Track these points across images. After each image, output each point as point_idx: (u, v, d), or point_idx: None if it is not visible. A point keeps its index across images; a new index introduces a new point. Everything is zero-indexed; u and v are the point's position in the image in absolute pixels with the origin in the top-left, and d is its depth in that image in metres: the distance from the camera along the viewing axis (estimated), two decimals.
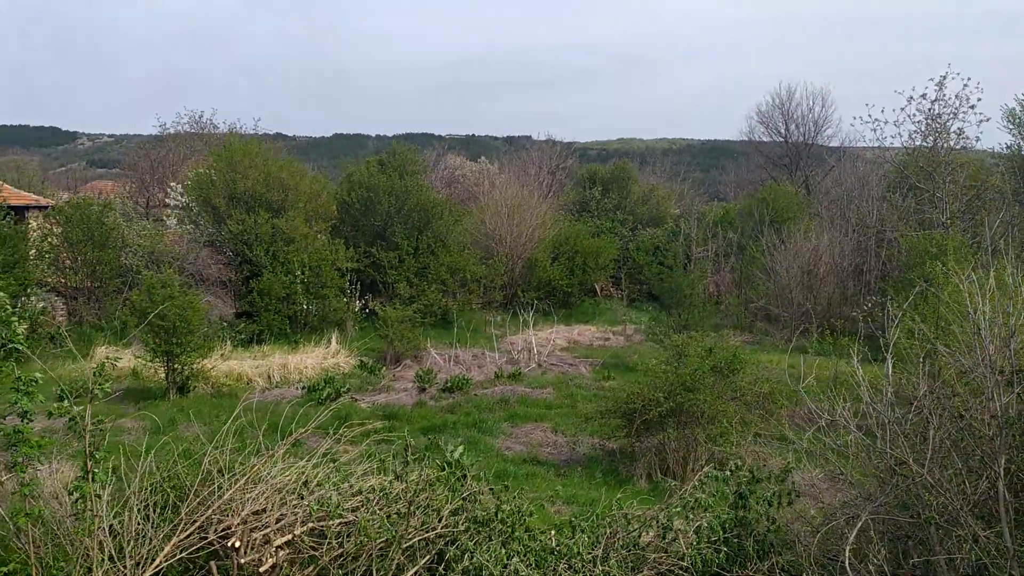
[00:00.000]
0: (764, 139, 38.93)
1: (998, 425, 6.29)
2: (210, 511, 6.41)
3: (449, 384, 16.51)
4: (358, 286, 23.73)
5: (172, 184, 24.37)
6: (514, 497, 7.41)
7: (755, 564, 6.58)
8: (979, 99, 21.22)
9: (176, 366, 15.05)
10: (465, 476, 7.36)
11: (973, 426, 6.33)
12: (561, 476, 11.55)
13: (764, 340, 22.30)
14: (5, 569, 5.73)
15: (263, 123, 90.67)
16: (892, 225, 23.22)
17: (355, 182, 25.11)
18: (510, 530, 6.85)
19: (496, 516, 6.92)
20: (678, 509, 7.21)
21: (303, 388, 15.92)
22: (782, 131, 37.72)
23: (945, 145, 21.79)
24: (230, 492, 6.57)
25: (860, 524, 6.23)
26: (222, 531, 6.32)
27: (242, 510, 6.45)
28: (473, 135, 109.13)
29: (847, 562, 5.84)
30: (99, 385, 5.85)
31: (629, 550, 6.75)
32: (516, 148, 56.67)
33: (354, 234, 24.85)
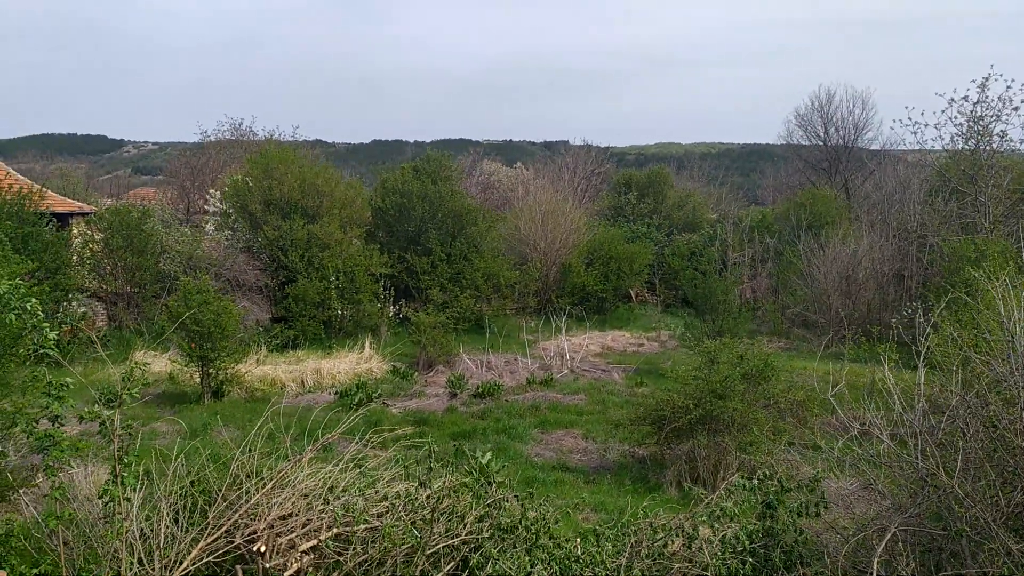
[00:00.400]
0: (803, 143, 38.45)
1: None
2: (237, 515, 6.50)
3: (480, 390, 16.54)
4: (392, 292, 23.91)
5: (211, 191, 24.80)
6: (540, 504, 7.40)
7: (781, 575, 6.48)
8: (1023, 101, 20.75)
9: (211, 371, 15.29)
10: (491, 482, 7.37)
11: (1006, 437, 6.18)
12: (590, 483, 11.50)
13: (800, 346, 21.99)
14: (36, 570, 5.87)
15: (302, 130, 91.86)
16: (934, 230, 22.76)
17: (389, 188, 25.31)
18: (534, 537, 6.84)
19: (520, 523, 6.91)
20: (704, 518, 7.13)
21: (335, 393, 16.06)
22: (821, 134, 37.22)
23: (987, 148, 21.29)
24: (257, 496, 6.66)
25: (889, 536, 6.11)
26: (248, 535, 6.40)
27: (268, 514, 6.53)
28: (510, 140, 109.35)
29: (875, 574, 5.74)
30: (128, 390, 5.97)
31: (654, 559, 6.69)
32: (553, 153, 56.68)
33: (388, 240, 25.03)
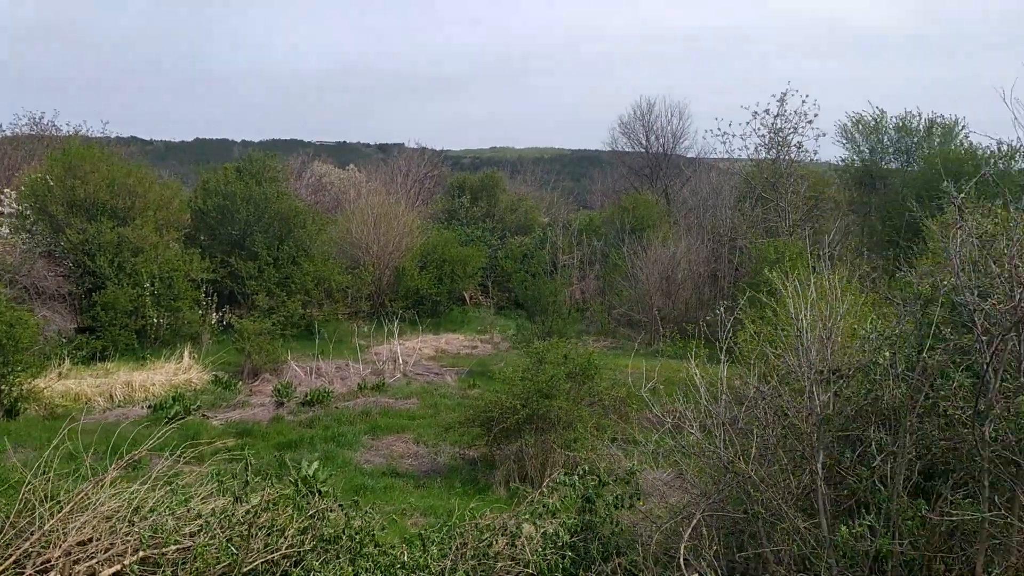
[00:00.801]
0: (627, 149, 40.30)
1: (816, 422, 6.70)
2: (27, 544, 5.95)
3: (309, 398, 16.09)
4: (215, 298, 22.79)
5: (6, 191, 22.63)
6: (366, 512, 7.28)
7: (599, 566, 6.71)
8: (816, 115, 22.79)
9: (3, 387, 13.92)
10: (316, 493, 7.18)
11: (795, 424, 6.71)
12: (420, 487, 11.46)
13: (625, 345, 22.98)
14: None
15: (115, 126, 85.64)
16: (742, 233, 24.47)
17: (211, 189, 24.13)
18: (359, 547, 6.71)
19: (345, 533, 6.77)
20: (527, 516, 7.27)
21: (149, 407, 15.10)
22: (643, 142, 39.16)
23: (786, 157, 23.19)
24: (52, 522, 6.12)
25: (695, 522, 6.47)
26: (41, 565, 5.88)
27: (65, 541, 6.02)
28: (344, 142, 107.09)
29: (682, 559, 6.06)
30: None
31: (479, 560, 6.74)
32: (387, 156, 56.15)
33: (211, 243, 23.85)
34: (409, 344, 21.88)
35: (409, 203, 32.53)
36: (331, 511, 7.08)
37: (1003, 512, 5.44)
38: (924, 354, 6.80)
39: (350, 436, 13.76)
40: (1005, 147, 22.63)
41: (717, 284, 25.41)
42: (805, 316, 7.46)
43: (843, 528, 5.81)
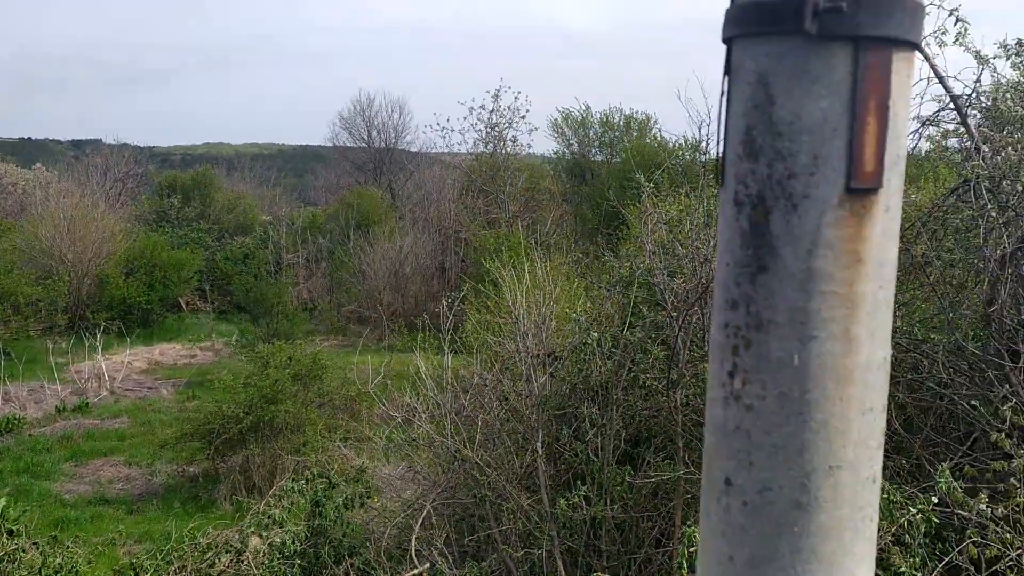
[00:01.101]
0: (349, 144, 39.83)
1: (535, 404, 7.03)
2: None
3: None
4: None
5: None
6: (67, 547, 6.52)
7: (331, 570, 6.53)
8: (528, 110, 24.09)
9: None
10: (4, 533, 6.30)
11: (517, 407, 7.01)
12: (135, 512, 10.49)
13: (357, 342, 22.72)
14: None
15: None
16: (466, 225, 25.21)
17: None
18: None
19: (41, 573, 6.02)
20: (254, 529, 6.91)
21: None
22: (365, 137, 38.92)
23: (503, 151, 24.25)
24: None
25: (424, 513, 6.52)
26: None
27: None
28: (29, 139, 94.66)
29: (413, 550, 6.07)
30: None
31: None
32: (82, 153, 50.58)
33: None
34: (117, 358, 19.90)
35: (109, 205, 29.55)
36: (25, 551, 6.27)
37: (694, 470, 6.04)
38: (626, 332, 7.40)
39: (48, 465, 12.23)
40: (690, 140, 25.53)
41: (445, 276, 25.97)
42: (521, 304, 7.80)
43: (561, 501, 6.14)
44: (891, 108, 0.74)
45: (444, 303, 8.86)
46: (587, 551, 6.17)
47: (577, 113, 28.42)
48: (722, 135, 0.77)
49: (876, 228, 0.74)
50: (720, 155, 0.77)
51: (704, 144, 9.58)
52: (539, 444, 6.59)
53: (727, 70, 0.78)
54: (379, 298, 24.01)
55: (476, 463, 6.52)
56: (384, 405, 8.47)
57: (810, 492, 0.73)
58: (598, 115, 28.20)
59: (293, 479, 8.03)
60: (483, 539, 6.66)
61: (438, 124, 27.54)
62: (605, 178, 24.61)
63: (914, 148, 6.41)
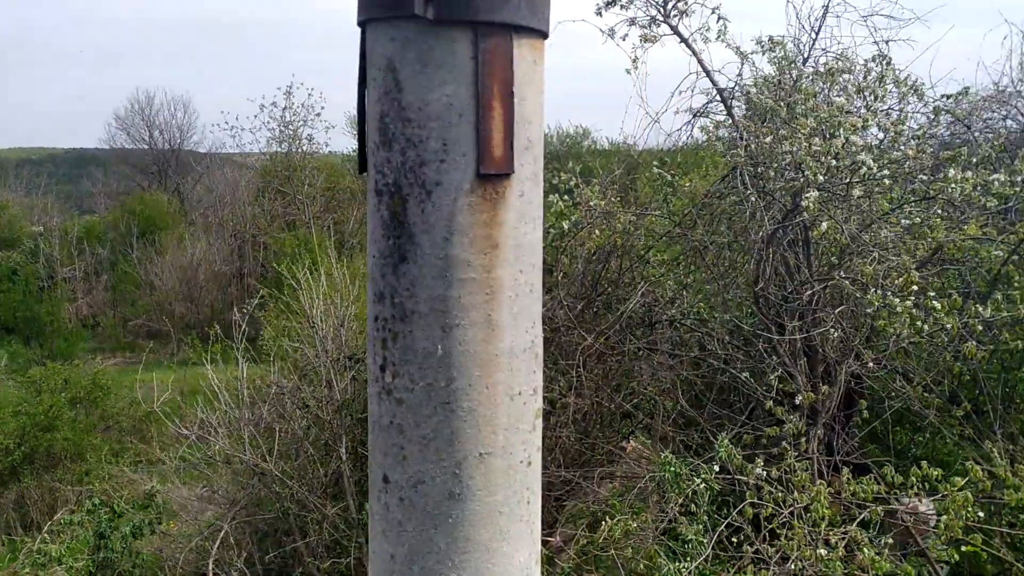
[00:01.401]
0: (129, 147, 37.00)
1: (337, 409, 6.87)
2: None
3: None
4: None
5: None
6: None
7: None
8: (323, 107, 23.47)
9: None
10: None
11: (319, 415, 6.81)
12: None
13: (146, 358, 21.21)
14: None
15: None
16: (265, 228, 24.21)
17: None
18: None
19: None
20: (27, 570, 6.30)
21: None
22: (147, 138, 36.31)
23: (299, 150, 23.51)
24: None
25: (223, 533, 6.20)
26: None
27: None
28: None
29: (211, 574, 5.76)
30: None
31: None
32: None
33: None
34: None
35: None
36: None
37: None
38: None
39: None
40: None
41: (244, 283, 24.80)
42: (318, 307, 7.59)
43: (366, 506, 6.03)
44: (518, 94, 0.74)
45: (236, 311, 8.47)
46: None
47: None
48: (363, 123, 0.75)
49: (511, 213, 0.74)
50: (360, 143, 0.75)
51: None
52: (343, 450, 6.45)
53: (362, 55, 0.76)
54: (170, 309, 22.54)
55: (276, 476, 6.29)
56: (176, 424, 7.97)
57: (462, 481, 0.73)
58: None
59: (72, 511, 7.39)
60: (289, 553, 6.44)
61: (226, 123, 26.28)
62: None
63: (689, 139, 6.83)
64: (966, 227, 5.66)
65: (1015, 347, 5.11)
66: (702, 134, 7.06)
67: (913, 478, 4.32)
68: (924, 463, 4.21)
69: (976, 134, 8.50)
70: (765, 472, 4.19)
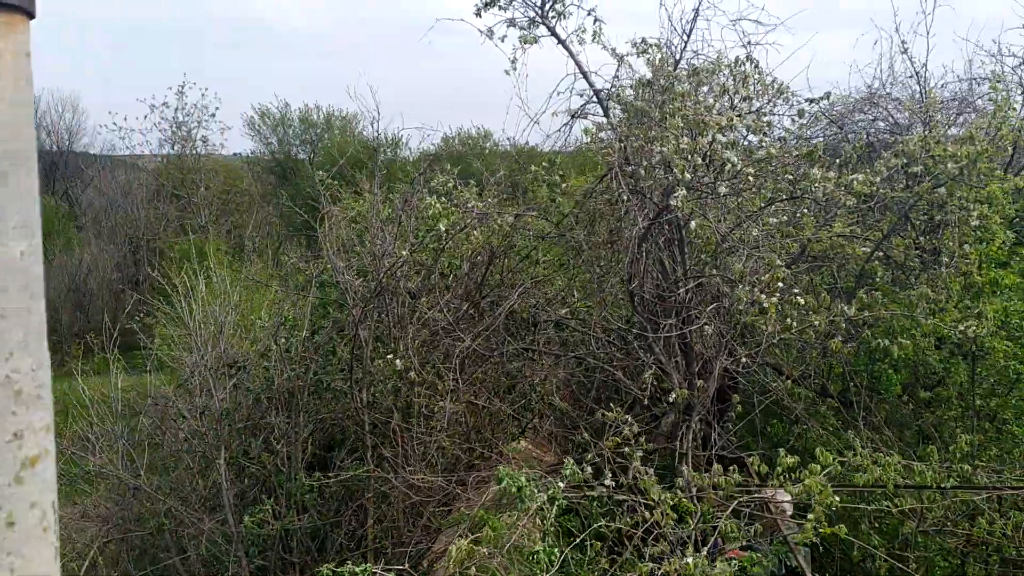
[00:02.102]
0: None
1: (217, 418, 6.64)
2: None
3: None
4: None
5: None
6: None
7: None
8: (217, 108, 22.79)
9: None
10: None
11: (197, 428, 6.57)
12: None
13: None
14: None
15: None
16: (160, 233, 23.35)
17: None
18: None
19: None
20: None
21: None
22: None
23: (193, 152, 22.78)
24: None
25: (92, 552, 5.93)
26: None
27: None
28: None
29: None
30: None
31: None
32: None
33: None
34: None
35: None
36: None
37: (382, 469, 6.02)
38: (314, 335, 7.22)
39: None
40: (391, 137, 25.78)
41: (140, 289, 23.84)
42: (197, 314, 7.34)
43: (246, 518, 5.86)
44: None
45: (123, 320, 8.11)
46: (279, 566, 5.96)
47: (276, 110, 27.46)
48: None
49: None
50: None
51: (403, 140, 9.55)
52: (222, 461, 6.24)
53: None
54: (58, 319, 21.48)
55: (147, 491, 6.04)
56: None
57: None
58: (297, 112, 27.47)
59: None
60: (165, 570, 6.20)
61: (114, 124, 25.22)
62: (305, 178, 24.04)
63: (577, 141, 6.85)
64: (833, 225, 5.89)
65: (876, 345, 5.33)
66: (586, 136, 7.12)
67: (779, 468, 4.45)
68: (782, 452, 4.34)
69: (849, 135, 8.87)
70: (613, 484, 4.22)
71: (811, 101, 5.77)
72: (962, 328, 5.38)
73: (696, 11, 5.88)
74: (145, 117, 24.79)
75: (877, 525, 5.62)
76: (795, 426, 6.12)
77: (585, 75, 6.22)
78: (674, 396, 5.02)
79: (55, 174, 33.29)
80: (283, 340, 6.71)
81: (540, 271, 6.31)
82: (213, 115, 21.97)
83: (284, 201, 25.39)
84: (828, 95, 5.92)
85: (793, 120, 6.13)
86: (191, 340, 7.18)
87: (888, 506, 5.07)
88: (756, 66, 5.42)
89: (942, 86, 8.44)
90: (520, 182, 6.59)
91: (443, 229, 5.75)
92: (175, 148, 22.18)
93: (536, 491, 4.01)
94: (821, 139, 9.20)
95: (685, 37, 5.92)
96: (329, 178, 7.23)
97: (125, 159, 28.86)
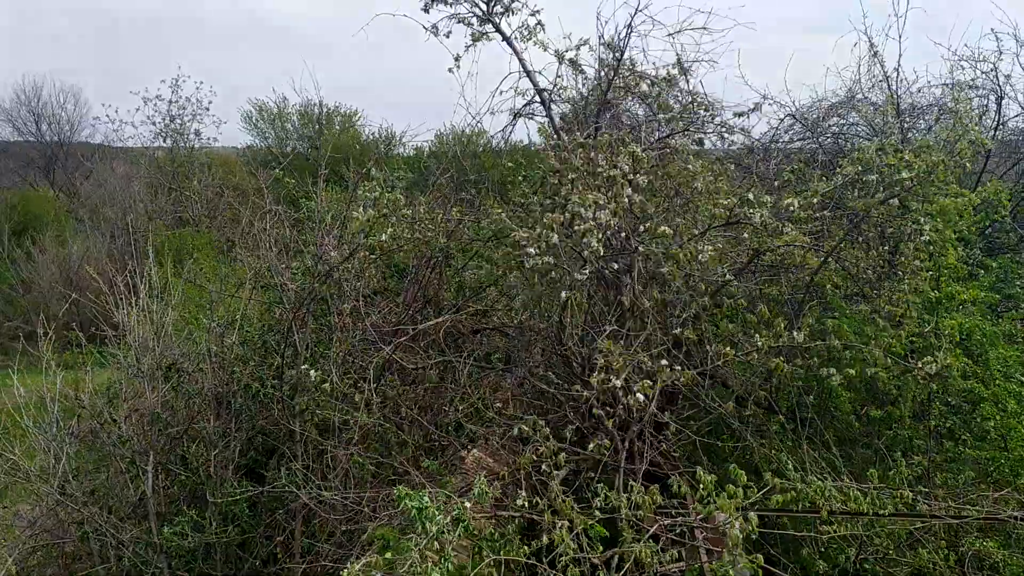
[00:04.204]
0: (15, 139, 35.11)
1: (146, 423, 6.47)
2: None
3: None
4: None
5: None
6: None
7: None
8: (211, 102, 22.67)
9: None
10: None
11: (123, 432, 6.39)
12: None
13: (24, 361, 20.10)
14: None
15: None
16: (154, 226, 23.30)
17: None
18: None
19: None
20: None
21: None
22: (34, 130, 34.51)
23: (187, 146, 22.71)
24: None
25: (10, 562, 5.78)
26: None
27: None
28: None
29: None
30: None
31: None
32: None
33: None
34: None
35: None
36: None
37: (316, 479, 5.81)
38: (260, 337, 7.02)
39: None
40: (388, 133, 25.73)
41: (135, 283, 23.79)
42: (132, 314, 7.17)
43: (165, 529, 5.69)
44: None
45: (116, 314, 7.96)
46: None
47: (273, 105, 27.32)
48: None
49: None
50: None
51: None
52: (149, 468, 6.07)
53: None
54: (49, 310, 21.39)
55: (75, 496, 5.89)
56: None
57: None
58: (296, 108, 27.31)
59: None
60: None
61: (107, 117, 25.25)
62: (304, 174, 23.90)
63: (507, 140, 6.65)
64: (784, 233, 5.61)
65: (822, 373, 5.08)
66: (540, 137, 6.89)
67: (702, 490, 4.21)
68: (699, 470, 4.10)
69: (824, 140, 8.58)
70: (525, 503, 4.01)
71: (739, 115, 5.52)
72: (919, 365, 5.08)
73: (629, 26, 5.62)
74: (137, 110, 24.74)
75: (823, 550, 5.36)
76: (740, 443, 5.88)
77: (528, 74, 5.99)
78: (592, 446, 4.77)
79: (55, 164, 33.34)
80: (217, 342, 6.53)
81: (480, 278, 6.09)
82: (207, 108, 21.85)
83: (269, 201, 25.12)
84: (759, 105, 5.68)
85: (723, 137, 5.88)
86: (129, 339, 7.01)
87: (831, 531, 4.81)
88: (686, 75, 5.18)
89: (918, 91, 8.13)
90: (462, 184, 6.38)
91: (384, 238, 5.53)
92: (166, 141, 22.08)
93: (437, 513, 3.78)
94: (797, 144, 8.94)
95: (619, 54, 5.66)
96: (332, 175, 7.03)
97: (122, 151, 28.78)
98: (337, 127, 28.63)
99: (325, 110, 28.27)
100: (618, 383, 4.06)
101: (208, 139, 22.45)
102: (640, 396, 4.01)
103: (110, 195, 27.04)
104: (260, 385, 6.15)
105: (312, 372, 4.93)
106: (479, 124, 6.04)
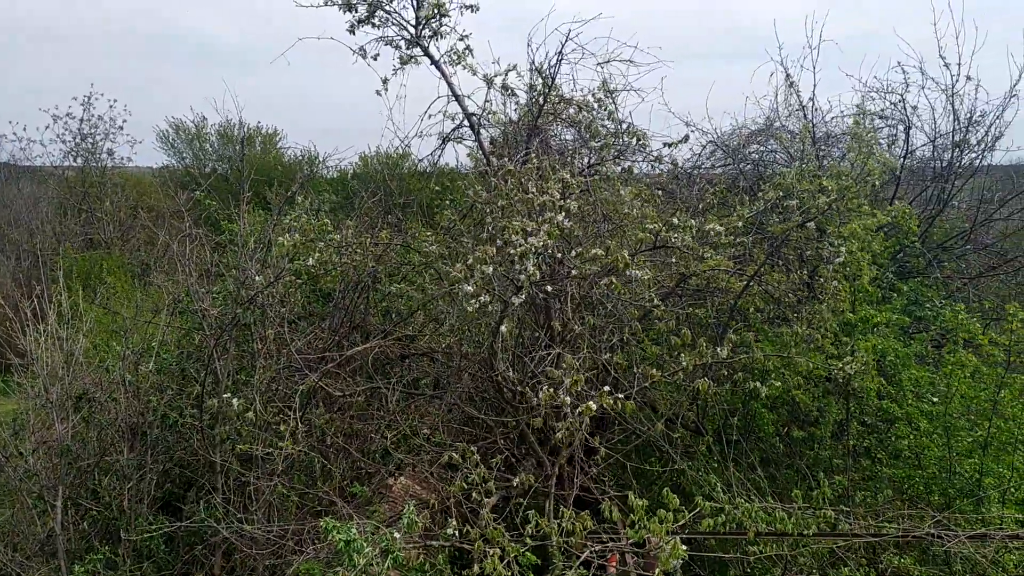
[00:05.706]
0: None
1: (55, 456, 6.14)
2: None
3: None
4: None
5: None
6: None
7: None
8: (125, 121, 21.91)
9: None
10: None
11: (35, 467, 6.05)
12: None
13: None
14: None
15: None
16: (60, 249, 22.33)
17: None
18: None
19: None
20: None
21: None
22: None
23: (99, 165, 21.89)
24: None
25: None
26: None
27: None
28: None
29: None
30: None
31: None
32: None
33: None
34: None
35: None
36: None
37: (237, 513, 5.60)
38: (178, 364, 6.75)
39: None
40: (311, 155, 25.35)
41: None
42: (41, 341, 6.82)
43: (75, 568, 5.39)
44: None
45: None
46: None
47: (191, 124, 26.61)
48: None
49: None
50: None
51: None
52: (58, 503, 5.74)
53: None
54: None
55: None
56: None
57: None
58: (215, 127, 26.66)
59: None
60: None
61: (14, 134, 24.12)
62: (222, 195, 23.30)
63: (436, 164, 6.62)
64: (708, 260, 5.72)
65: (751, 388, 5.17)
66: (470, 160, 6.88)
67: (633, 515, 4.21)
68: (631, 495, 4.10)
69: (745, 166, 8.83)
70: (456, 532, 3.94)
71: (668, 145, 5.65)
72: (839, 365, 5.26)
73: (560, 53, 5.68)
74: (47, 127, 23.78)
75: (749, 571, 5.43)
76: (669, 465, 5.93)
77: (457, 98, 5.98)
78: (519, 479, 4.74)
79: None
80: (131, 370, 6.26)
81: (408, 304, 6.00)
82: (120, 128, 21.12)
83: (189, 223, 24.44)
84: (687, 137, 5.81)
85: (652, 166, 6.00)
86: (36, 368, 6.66)
87: (757, 552, 4.87)
88: (610, 104, 5.27)
89: (831, 120, 8.47)
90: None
91: (311, 263, 5.41)
92: (76, 160, 21.23)
93: (365, 545, 3.67)
94: (720, 171, 9.17)
95: (550, 81, 5.72)
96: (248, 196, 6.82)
97: (29, 170, 27.50)
98: (259, 148, 28.11)
99: (246, 130, 27.73)
100: (567, 399, 4.05)
101: (121, 159, 21.68)
102: (592, 404, 4.02)
103: (15, 216, 25.84)
104: (178, 415, 5.92)
105: (235, 400, 4.76)
106: (407, 147, 5.98)
